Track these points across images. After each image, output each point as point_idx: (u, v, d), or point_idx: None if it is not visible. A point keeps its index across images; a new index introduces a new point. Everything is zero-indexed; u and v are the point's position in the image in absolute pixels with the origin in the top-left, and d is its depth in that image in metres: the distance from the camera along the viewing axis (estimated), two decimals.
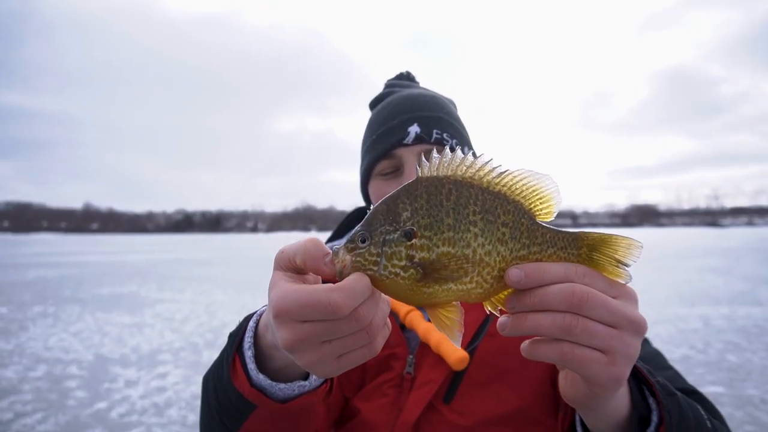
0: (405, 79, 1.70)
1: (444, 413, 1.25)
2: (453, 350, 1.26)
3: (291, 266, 0.74)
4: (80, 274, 22.62)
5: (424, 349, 1.30)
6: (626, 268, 0.74)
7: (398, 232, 0.71)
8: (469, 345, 1.29)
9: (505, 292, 0.76)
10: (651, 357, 1.31)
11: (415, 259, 0.70)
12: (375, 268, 0.70)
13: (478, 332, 1.31)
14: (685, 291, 15.69)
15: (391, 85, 1.65)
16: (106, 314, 12.28)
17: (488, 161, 0.74)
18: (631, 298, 0.76)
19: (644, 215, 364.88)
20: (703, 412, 1.02)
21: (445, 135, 1.40)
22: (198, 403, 1.01)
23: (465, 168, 0.74)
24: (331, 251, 0.73)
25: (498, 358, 1.29)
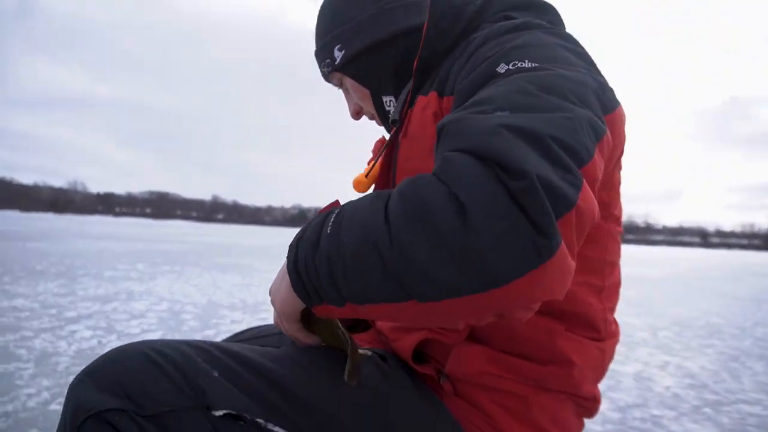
0: None
1: None
2: None
3: None
4: (205, 250, 25.04)
5: None
6: None
7: None
8: None
9: None
10: None
11: None
12: None
13: None
14: None
15: None
16: (222, 275, 13.54)
17: None
18: None
19: None
20: None
21: (322, 66, 1.04)
22: None
23: None
24: None
25: None
